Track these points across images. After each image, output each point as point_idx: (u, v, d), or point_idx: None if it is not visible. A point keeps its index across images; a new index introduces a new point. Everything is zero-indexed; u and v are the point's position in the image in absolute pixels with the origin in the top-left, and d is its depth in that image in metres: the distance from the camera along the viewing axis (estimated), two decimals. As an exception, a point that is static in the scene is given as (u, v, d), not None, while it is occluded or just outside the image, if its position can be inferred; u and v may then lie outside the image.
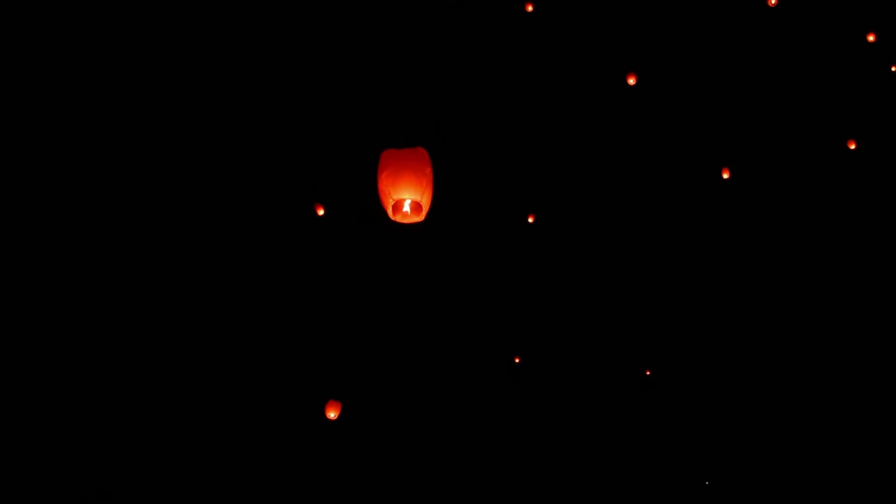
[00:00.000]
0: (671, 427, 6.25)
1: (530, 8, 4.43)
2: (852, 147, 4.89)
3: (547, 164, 5.45)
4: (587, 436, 6.17)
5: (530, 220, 5.22)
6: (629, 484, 6.16)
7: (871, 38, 4.13)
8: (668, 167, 5.41)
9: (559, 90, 5.12)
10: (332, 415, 4.66)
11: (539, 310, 5.97)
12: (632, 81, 4.51)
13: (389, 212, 2.59)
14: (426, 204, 2.63)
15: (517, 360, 5.88)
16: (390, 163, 2.53)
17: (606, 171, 5.46)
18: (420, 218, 2.63)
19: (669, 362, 6.18)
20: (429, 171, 2.65)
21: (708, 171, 5.21)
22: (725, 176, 4.95)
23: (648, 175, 5.42)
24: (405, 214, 2.56)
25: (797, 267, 5.81)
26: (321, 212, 4.93)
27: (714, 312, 6.06)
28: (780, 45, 4.88)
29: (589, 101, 5.16)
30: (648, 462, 6.23)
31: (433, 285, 5.68)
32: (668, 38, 4.86)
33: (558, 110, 5.21)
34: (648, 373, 6.16)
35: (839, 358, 5.90)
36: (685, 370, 6.20)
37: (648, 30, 4.84)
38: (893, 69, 4.38)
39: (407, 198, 2.53)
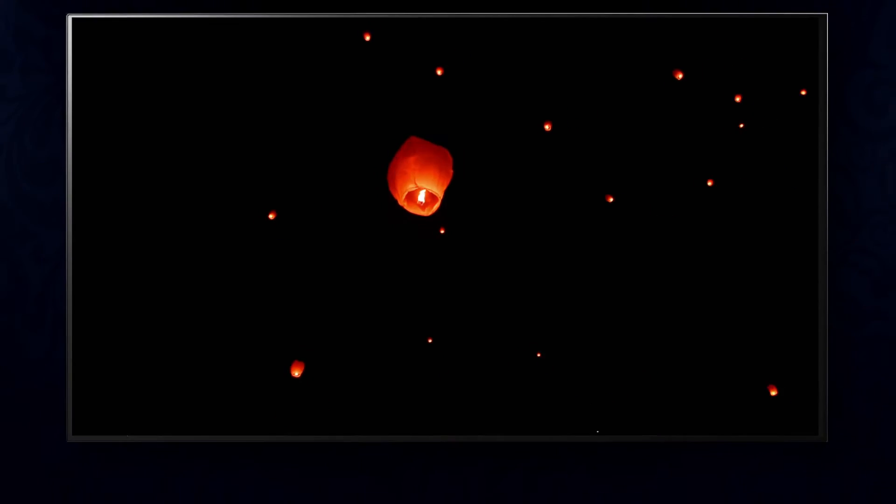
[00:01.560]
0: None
1: (440, 71, 4.46)
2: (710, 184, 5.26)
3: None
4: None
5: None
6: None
7: (737, 98, 4.44)
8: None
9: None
10: (296, 373, 4.47)
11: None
12: (547, 127, 4.59)
13: (402, 196, 2.48)
14: (435, 187, 2.53)
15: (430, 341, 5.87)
16: (419, 151, 2.43)
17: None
18: (429, 212, 2.52)
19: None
20: (451, 173, 2.55)
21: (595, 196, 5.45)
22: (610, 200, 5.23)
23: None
24: (420, 205, 2.45)
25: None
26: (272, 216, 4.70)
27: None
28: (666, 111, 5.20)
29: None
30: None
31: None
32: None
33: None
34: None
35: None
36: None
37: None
38: (741, 126, 4.71)
39: (428, 189, 2.42)
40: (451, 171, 2.65)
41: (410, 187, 2.49)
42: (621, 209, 1.92)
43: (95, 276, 1.91)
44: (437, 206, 2.60)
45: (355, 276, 1.95)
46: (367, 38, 1.96)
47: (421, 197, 2.53)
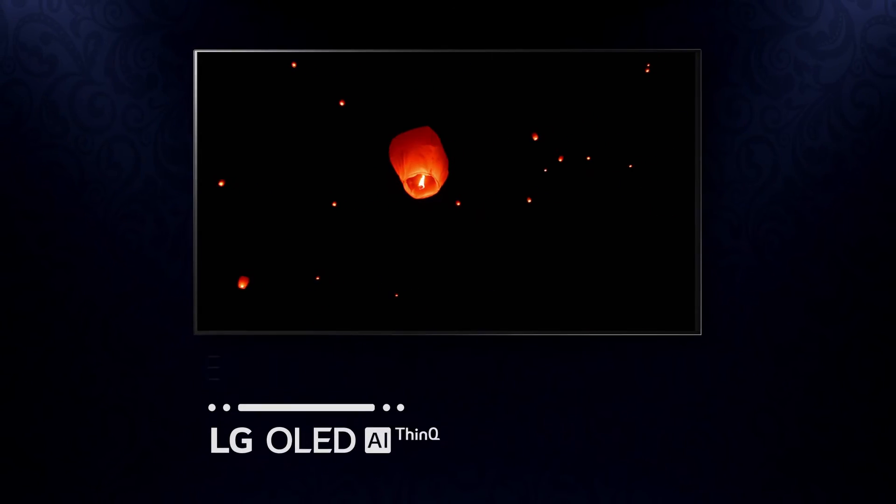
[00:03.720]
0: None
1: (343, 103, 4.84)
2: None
3: None
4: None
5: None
6: None
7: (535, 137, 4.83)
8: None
9: None
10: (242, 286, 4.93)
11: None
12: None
13: (409, 174, 3.21)
14: (439, 179, 3.30)
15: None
16: (438, 143, 3.14)
17: None
18: (418, 195, 3.25)
19: None
20: (447, 174, 3.29)
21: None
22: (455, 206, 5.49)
23: None
24: (419, 188, 3.19)
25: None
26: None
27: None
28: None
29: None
30: None
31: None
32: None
33: None
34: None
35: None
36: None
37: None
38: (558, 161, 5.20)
39: (427, 173, 3.17)
40: (447, 173, 3.30)
41: (422, 170, 3.24)
42: (466, 209, 2.87)
43: (210, 225, 2.87)
44: (430, 193, 3.31)
45: (291, 244, 2.89)
46: (294, 65, 2.89)
47: (422, 182, 3.26)
